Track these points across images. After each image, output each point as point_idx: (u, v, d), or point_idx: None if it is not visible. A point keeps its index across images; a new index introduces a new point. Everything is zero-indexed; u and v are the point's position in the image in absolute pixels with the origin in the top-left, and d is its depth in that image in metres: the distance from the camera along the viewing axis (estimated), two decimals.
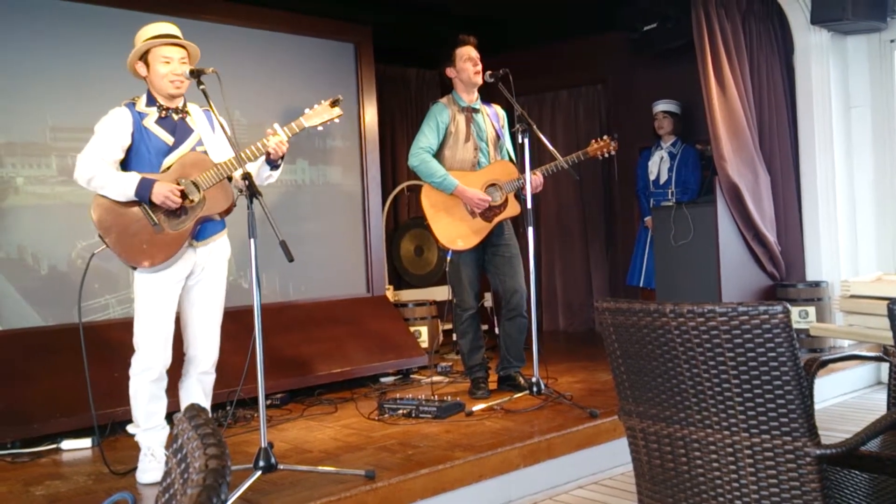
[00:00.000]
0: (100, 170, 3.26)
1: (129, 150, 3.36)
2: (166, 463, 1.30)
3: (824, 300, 5.67)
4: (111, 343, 4.24)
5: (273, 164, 3.49)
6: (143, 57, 3.38)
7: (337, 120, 3.57)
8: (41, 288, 4.58)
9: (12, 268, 4.52)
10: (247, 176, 3.13)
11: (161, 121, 3.40)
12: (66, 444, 4.02)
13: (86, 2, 4.78)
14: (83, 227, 4.56)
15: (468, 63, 4.67)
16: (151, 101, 3.42)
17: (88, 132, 3.38)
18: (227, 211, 3.46)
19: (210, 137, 3.51)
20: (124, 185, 3.26)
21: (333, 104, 3.54)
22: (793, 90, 5.98)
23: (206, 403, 3.57)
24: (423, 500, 3.26)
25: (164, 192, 3.26)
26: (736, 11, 5.79)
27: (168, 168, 3.35)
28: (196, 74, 3.30)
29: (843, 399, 5.31)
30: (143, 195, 3.26)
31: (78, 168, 3.30)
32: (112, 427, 4.06)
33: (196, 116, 3.50)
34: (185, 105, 3.48)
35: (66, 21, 4.73)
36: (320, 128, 3.55)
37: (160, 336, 3.36)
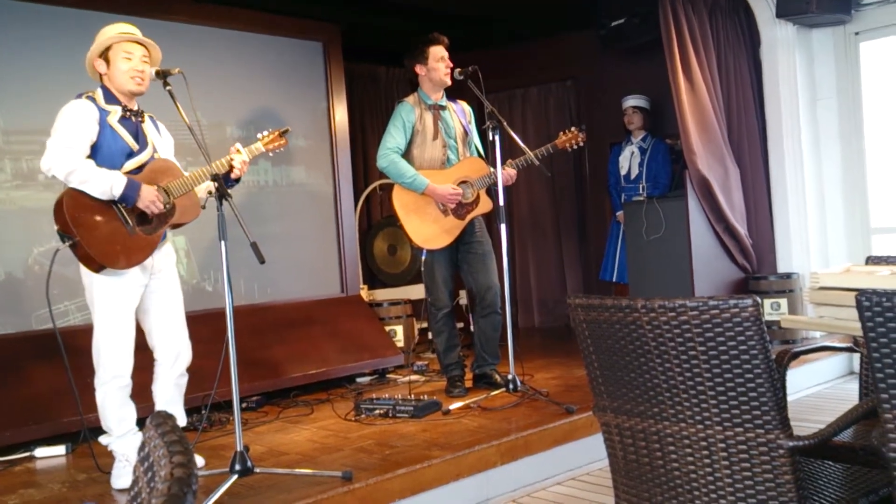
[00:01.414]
0: (81, 164, 3.12)
1: (90, 147, 3.23)
2: (134, 471, 1.28)
3: (796, 291, 5.72)
4: (80, 349, 4.16)
5: (230, 182, 3.47)
6: (104, 54, 3.32)
7: (282, 149, 3.66)
8: None
9: None
10: (216, 178, 3.11)
11: (123, 121, 3.33)
12: (40, 452, 3.97)
13: (44, 2, 4.66)
14: (39, 232, 4.48)
15: (440, 63, 4.65)
16: (112, 99, 3.33)
17: (43, 135, 3.22)
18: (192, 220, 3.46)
19: (160, 144, 3.49)
20: (110, 184, 3.15)
21: (282, 134, 3.63)
22: (760, 84, 6.03)
23: (182, 407, 3.55)
24: (401, 500, 3.25)
25: (151, 196, 3.22)
26: (702, 6, 5.83)
27: (131, 172, 3.28)
28: (162, 75, 3.28)
29: (817, 389, 5.36)
30: (131, 196, 3.18)
31: (52, 159, 3.11)
32: (85, 433, 4.01)
33: (147, 123, 3.45)
34: (140, 109, 3.42)
35: (20, 21, 4.60)
36: (271, 154, 3.64)
37: (126, 341, 3.32)
